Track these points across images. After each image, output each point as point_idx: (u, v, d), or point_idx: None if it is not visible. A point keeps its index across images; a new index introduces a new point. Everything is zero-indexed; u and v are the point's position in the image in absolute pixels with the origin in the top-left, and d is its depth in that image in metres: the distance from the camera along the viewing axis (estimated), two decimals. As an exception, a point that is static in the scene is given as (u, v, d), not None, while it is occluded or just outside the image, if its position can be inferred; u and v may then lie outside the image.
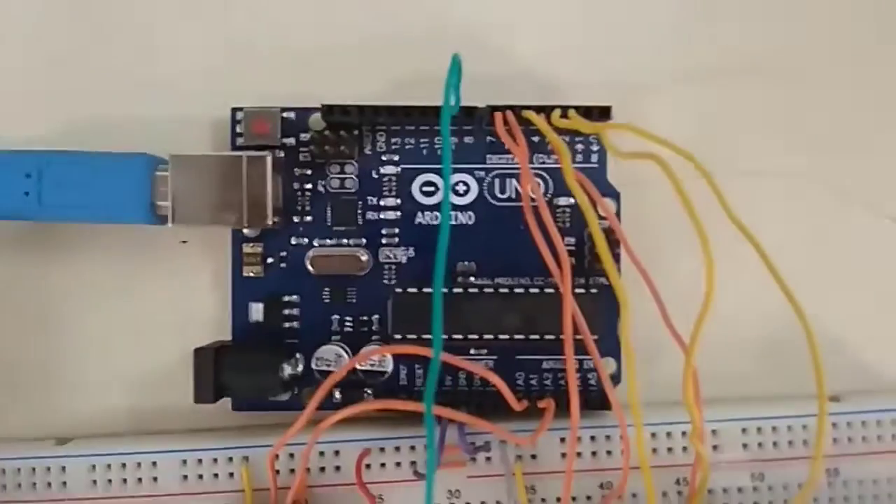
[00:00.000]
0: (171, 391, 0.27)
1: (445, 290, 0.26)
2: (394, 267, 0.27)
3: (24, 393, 0.28)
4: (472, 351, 0.27)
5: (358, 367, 0.26)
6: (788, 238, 0.27)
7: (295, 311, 0.27)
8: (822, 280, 0.28)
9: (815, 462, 0.23)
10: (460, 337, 0.25)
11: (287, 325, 0.27)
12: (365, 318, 0.27)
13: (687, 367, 0.23)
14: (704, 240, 0.23)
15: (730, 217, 0.24)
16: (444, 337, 0.25)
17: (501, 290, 0.26)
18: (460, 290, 0.26)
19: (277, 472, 0.25)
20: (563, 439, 0.26)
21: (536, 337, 0.25)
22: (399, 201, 0.27)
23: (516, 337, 0.25)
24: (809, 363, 0.23)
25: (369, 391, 0.27)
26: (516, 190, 0.27)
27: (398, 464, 0.26)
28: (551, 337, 0.25)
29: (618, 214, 0.27)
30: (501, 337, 0.25)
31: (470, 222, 0.27)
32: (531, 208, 0.25)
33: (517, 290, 0.26)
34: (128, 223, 0.26)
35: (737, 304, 0.28)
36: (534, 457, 0.26)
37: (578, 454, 0.26)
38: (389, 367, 0.26)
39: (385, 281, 0.27)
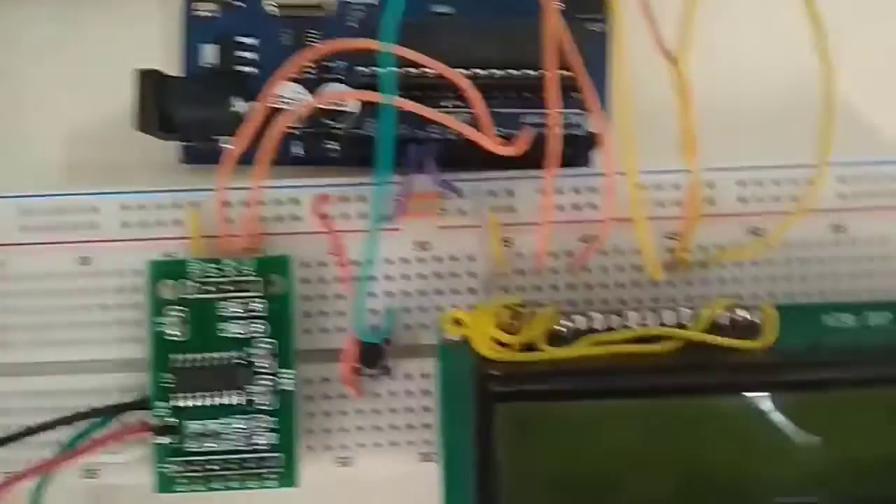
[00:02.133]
0: (116, 145, 0.25)
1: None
2: (362, 7, 0.25)
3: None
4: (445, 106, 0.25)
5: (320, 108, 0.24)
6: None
7: (253, 55, 0.25)
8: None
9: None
10: (431, 73, 0.23)
11: (243, 69, 0.25)
12: (329, 62, 0.25)
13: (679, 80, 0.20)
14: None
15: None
16: (414, 71, 0.23)
17: (480, 23, 0.23)
18: (434, 20, 0.23)
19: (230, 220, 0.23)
20: (543, 190, 0.24)
21: (516, 72, 0.23)
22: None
23: (495, 74, 0.23)
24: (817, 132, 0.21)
25: (332, 144, 0.25)
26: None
27: (364, 214, 0.24)
28: (533, 73, 0.23)
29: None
30: (479, 73, 0.23)
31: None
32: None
33: (497, 22, 0.23)
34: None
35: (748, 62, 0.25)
36: (511, 208, 0.24)
37: (559, 207, 0.24)
38: (356, 108, 0.24)
39: (351, 23, 0.25)
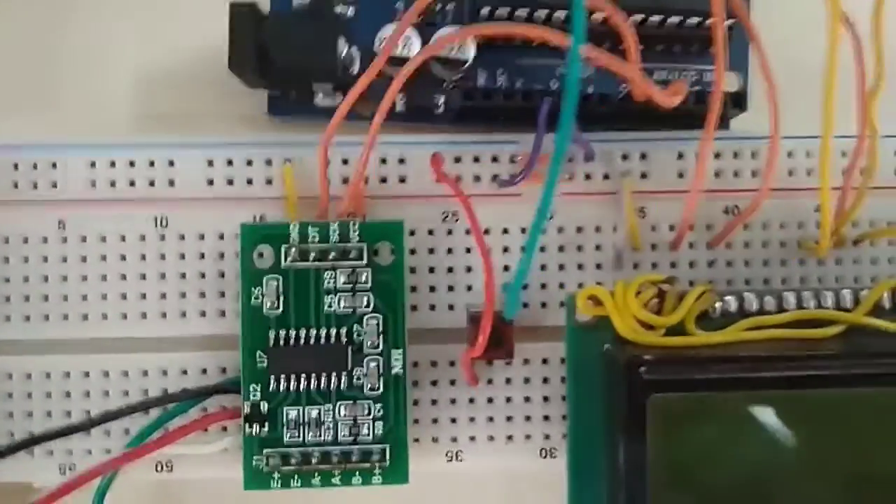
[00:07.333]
0: (190, 94, 0.22)
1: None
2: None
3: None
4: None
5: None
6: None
7: (351, -7, 0.22)
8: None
9: None
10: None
11: (340, 9, 0.22)
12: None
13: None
14: None
15: None
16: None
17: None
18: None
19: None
20: (681, 155, 0.21)
21: (658, 19, 0.20)
22: None
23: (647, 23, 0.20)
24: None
25: (438, 98, 0.22)
26: None
27: (477, 177, 0.21)
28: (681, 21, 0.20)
29: None
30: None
31: None
32: None
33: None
34: None
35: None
36: (644, 175, 0.21)
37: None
38: (470, 55, 0.21)
39: (464, -42, 0.22)
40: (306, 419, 0.19)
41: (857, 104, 0.19)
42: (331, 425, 0.19)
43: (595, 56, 0.18)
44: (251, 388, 0.19)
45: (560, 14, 0.20)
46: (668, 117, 0.20)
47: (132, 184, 0.20)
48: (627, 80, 0.19)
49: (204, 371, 0.20)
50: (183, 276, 0.20)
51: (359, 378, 0.19)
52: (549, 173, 0.15)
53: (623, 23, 0.18)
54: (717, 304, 0.19)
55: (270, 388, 0.19)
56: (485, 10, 0.20)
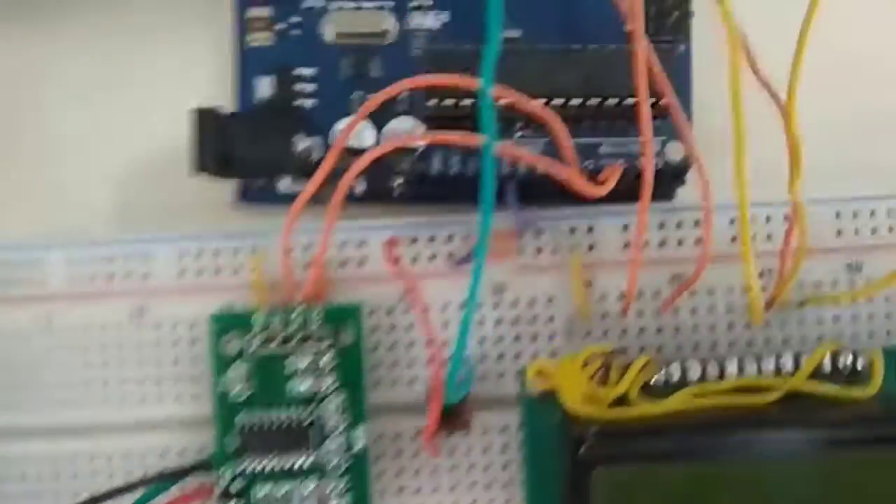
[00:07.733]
0: (165, 186, 0.23)
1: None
2: (425, 34, 0.23)
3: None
4: (518, 135, 0.23)
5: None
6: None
7: (310, 87, 0.23)
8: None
9: None
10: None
11: (300, 102, 0.23)
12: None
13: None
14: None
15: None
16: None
17: (556, 50, 0.22)
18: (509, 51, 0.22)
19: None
20: (626, 227, 0.22)
21: (598, 100, 0.21)
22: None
23: (573, 103, 0.22)
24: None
25: (396, 181, 0.23)
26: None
27: (433, 256, 0.22)
28: (615, 101, 0.21)
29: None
30: (555, 103, 0.22)
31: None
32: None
33: (575, 48, 0.22)
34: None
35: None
36: (591, 247, 0.22)
37: (645, 243, 0.22)
38: (419, 147, 0.23)
39: (415, 50, 0.23)
40: (276, 496, 0.21)
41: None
42: (299, 501, 0.21)
43: (519, 155, 0.19)
44: (223, 468, 0.21)
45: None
46: (616, 191, 0.22)
47: (110, 278, 0.22)
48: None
49: (182, 451, 0.22)
50: (159, 362, 0.22)
51: (323, 455, 0.21)
52: (473, 261, 0.17)
53: (552, 120, 0.19)
54: (661, 374, 0.21)
55: (241, 468, 0.21)
56: (432, 102, 0.22)
